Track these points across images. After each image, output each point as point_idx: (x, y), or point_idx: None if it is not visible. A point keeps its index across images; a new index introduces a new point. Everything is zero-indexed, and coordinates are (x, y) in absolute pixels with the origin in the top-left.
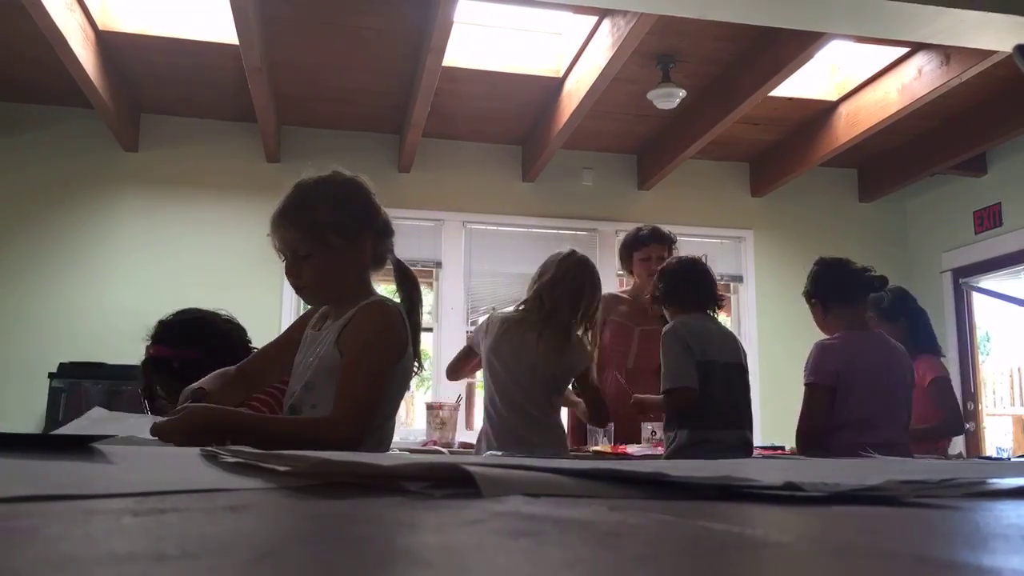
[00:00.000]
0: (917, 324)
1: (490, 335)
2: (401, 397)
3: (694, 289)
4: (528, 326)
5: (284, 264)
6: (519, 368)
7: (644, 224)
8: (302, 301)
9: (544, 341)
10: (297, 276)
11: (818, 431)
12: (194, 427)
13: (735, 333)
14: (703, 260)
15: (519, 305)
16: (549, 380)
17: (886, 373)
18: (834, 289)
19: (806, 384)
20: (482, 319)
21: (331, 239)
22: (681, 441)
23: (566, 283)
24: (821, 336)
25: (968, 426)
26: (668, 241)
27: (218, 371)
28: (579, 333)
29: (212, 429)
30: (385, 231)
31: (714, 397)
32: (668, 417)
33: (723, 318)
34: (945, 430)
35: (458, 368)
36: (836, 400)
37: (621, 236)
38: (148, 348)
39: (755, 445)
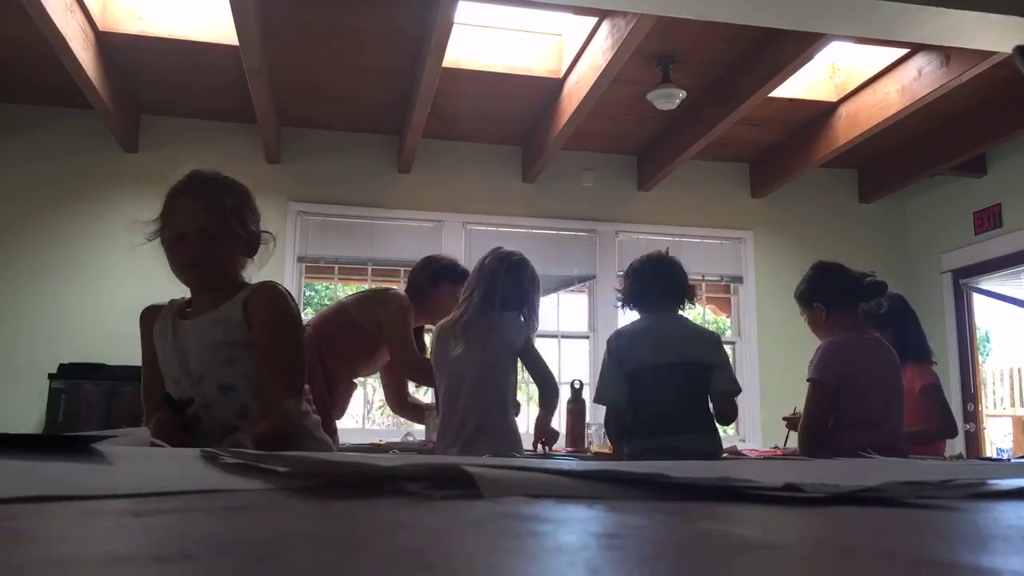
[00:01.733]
0: (906, 330)
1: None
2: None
3: (649, 285)
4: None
5: (171, 238)
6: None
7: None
8: (302, 300)
9: (468, 331)
10: (195, 253)
11: (820, 428)
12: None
13: (735, 334)
14: (665, 253)
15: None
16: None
17: (887, 376)
18: (836, 294)
19: (809, 380)
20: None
21: (236, 225)
22: (629, 454)
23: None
24: (828, 339)
25: (968, 427)
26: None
27: (136, 429)
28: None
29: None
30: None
31: (647, 405)
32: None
33: (723, 319)
34: (941, 433)
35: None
36: (843, 401)
37: (621, 237)
38: None
39: (754, 447)
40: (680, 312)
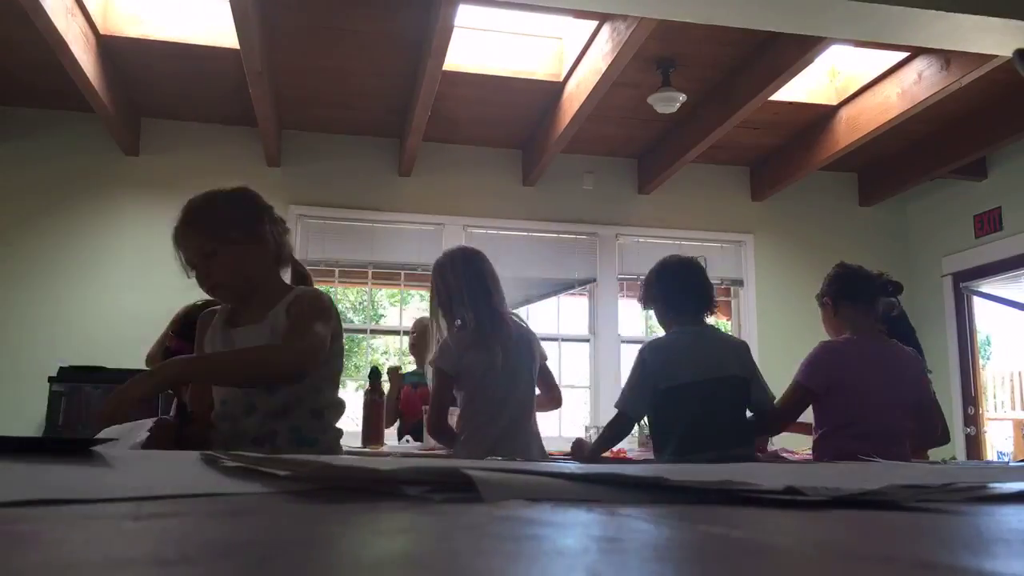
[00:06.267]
0: (901, 341)
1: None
2: (339, 375)
3: (688, 295)
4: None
5: (195, 275)
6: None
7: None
8: None
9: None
10: (208, 276)
11: (784, 428)
12: (152, 385)
13: (736, 336)
14: (700, 261)
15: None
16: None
17: (893, 379)
18: (846, 289)
19: (794, 381)
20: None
21: (232, 234)
22: None
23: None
24: (824, 340)
25: (968, 431)
26: None
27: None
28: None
29: (167, 383)
30: (282, 224)
31: (685, 422)
32: (603, 437)
33: (724, 323)
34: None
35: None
36: (836, 404)
37: (622, 240)
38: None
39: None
40: (708, 322)
